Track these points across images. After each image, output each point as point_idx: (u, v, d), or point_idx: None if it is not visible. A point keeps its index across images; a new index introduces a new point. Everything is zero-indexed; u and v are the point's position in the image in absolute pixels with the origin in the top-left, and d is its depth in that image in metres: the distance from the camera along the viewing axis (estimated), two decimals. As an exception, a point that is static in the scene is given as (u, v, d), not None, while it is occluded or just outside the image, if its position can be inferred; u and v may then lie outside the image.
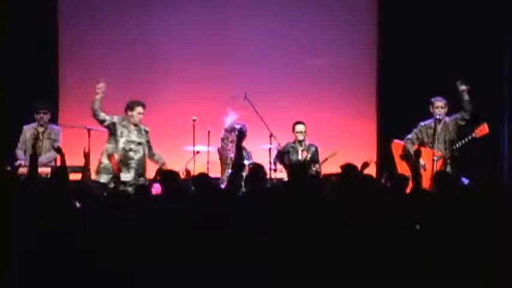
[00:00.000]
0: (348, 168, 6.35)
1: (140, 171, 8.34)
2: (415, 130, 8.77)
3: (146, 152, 8.44)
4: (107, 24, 10.52)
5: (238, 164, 7.67)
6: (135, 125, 8.41)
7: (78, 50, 10.45)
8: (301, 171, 6.56)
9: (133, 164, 8.32)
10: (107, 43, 10.50)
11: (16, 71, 10.10)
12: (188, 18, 10.53)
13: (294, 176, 6.51)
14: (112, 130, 8.35)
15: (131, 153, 8.33)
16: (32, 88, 9.97)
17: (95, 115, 8.30)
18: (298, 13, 10.57)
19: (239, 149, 8.00)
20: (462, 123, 8.64)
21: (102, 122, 8.33)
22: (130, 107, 8.41)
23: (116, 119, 8.37)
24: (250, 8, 10.63)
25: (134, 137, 8.39)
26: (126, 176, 8.16)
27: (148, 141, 8.48)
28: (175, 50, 10.54)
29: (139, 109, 8.40)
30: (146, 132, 8.49)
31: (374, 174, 9.47)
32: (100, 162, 8.30)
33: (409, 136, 8.76)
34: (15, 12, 10.09)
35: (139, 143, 8.39)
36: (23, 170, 7.73)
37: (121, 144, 8.31)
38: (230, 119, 9.18)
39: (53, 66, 10.40)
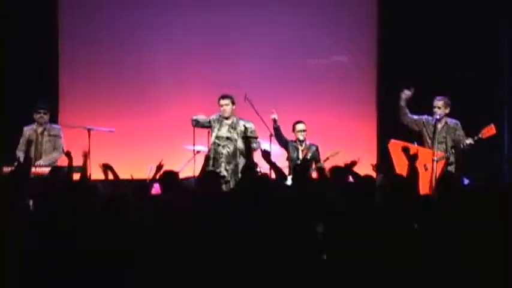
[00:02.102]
0: (336, 170, 6.35)
1: (232, 167, 8.66)
2: (417, 115, 8.81)
3: (240, 146, 8.71)
4: (107, 24, 10.50)
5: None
6: (227, 118, 8.76)
7: (78, 50, 10.43)
8: (303, 171, 6.55)
9: (222, 158, 8.67)
10: (107, 43, 10.48)
11: (16, 71, 10.09)
12: (189, 19, 10.52)
13: (296, 177, 6.51)
14: (211, 128, 8.79)
15: (219, 148, 8.70)
16: (32, 88, 9.96)
17: (198, 125, 8.79)
18: (299, 13, 10.56)
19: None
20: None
21: (204, 125, 8.82)
22: (218, 102, 8.83)
23: (212, 116, 8.82)
24: (250, 9, 10.62)
25: (224, 132, 8.75)
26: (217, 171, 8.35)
27: (245, 137, 8.56)
28: (176, 50, 10.54)
29: (220, 102, 8.80)
30: (245, 128, 8.75)
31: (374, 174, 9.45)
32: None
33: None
34: (15, 12, 10.08)
35: (228, 138, 8.73)
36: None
37: (212, 139, 8.73)
38: None
39: (52, 66, 10.38)
